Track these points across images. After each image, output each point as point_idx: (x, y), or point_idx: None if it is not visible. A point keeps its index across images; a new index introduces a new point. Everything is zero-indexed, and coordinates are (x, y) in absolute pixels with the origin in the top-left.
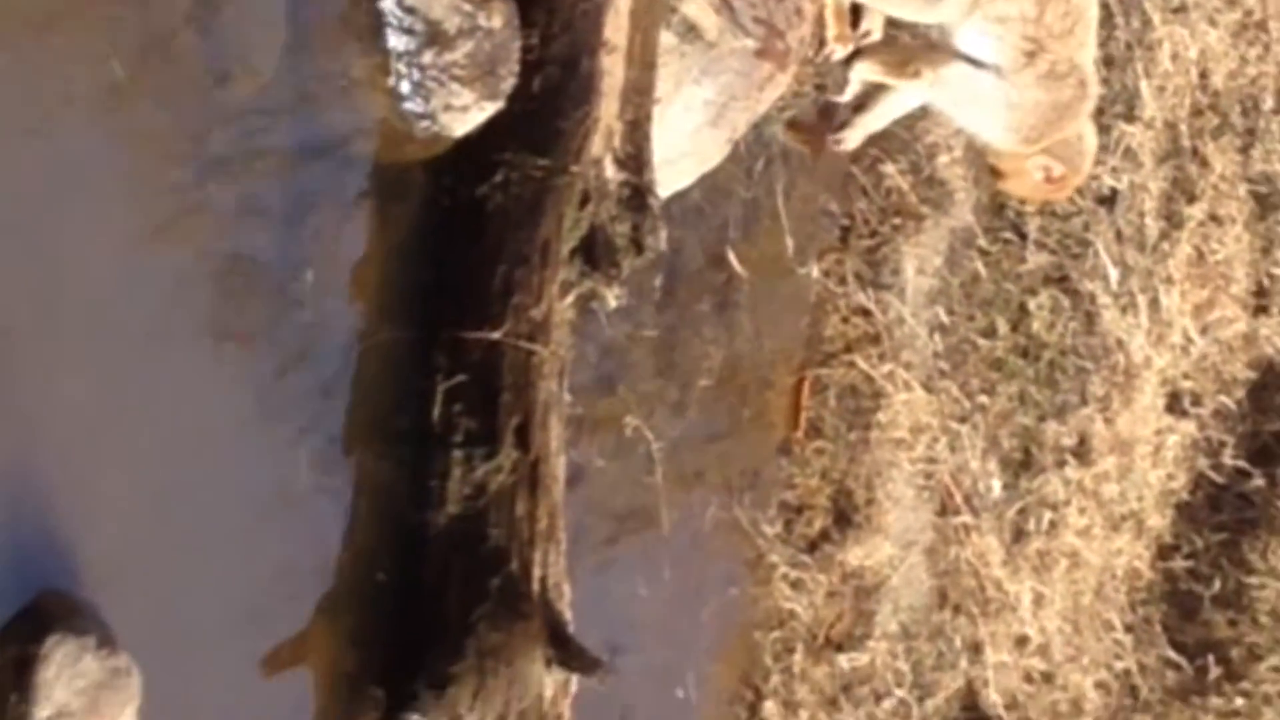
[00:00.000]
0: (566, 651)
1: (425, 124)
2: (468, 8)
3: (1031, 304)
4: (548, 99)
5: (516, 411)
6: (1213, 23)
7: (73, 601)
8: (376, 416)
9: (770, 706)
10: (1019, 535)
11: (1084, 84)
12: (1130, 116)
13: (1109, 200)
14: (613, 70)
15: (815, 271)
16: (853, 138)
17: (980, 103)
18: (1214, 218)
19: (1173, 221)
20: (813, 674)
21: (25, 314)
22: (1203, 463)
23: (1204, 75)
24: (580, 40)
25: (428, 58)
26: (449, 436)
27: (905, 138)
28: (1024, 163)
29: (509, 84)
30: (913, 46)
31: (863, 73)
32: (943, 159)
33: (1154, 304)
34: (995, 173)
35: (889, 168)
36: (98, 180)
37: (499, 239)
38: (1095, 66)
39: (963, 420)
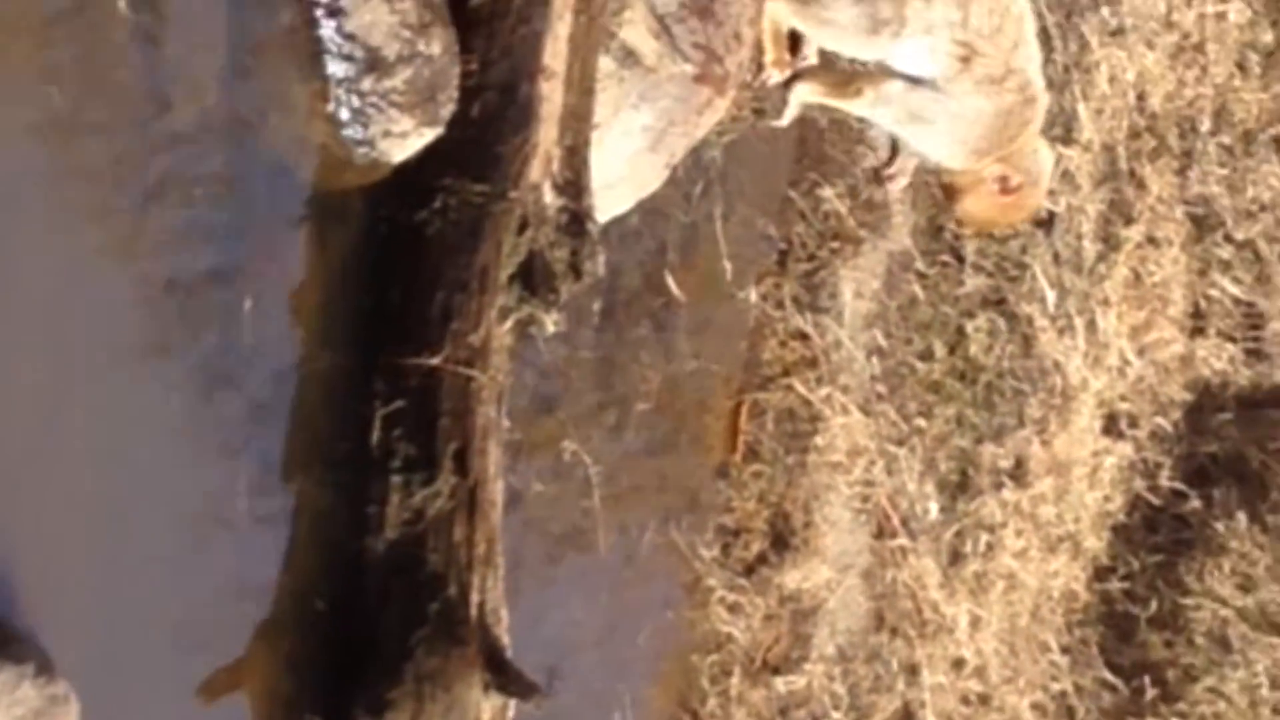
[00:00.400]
0: (504, 676)
1: (364, 150)
2: (407, 34)
3: (969, 327)
4: (487, 125)
5: (455, 437)
6: (1150, 45)
7: (10, 629)
8: (315, 442)
9: None
10: (956, 557)
11: (1025, 88)
12: (1068, 139)
13: (1046, 223)
14: (551, 96)
15: (753, 295)
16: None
17: (924, 117)
18: (1151, 240)
19: (1110, 244)
20: (750, 697)
21: None
22: (1139, 484)
23: (1141, 97)
24: (519, 66)
25: (367, 84)
26: (387, 462)
27: (843, 161)
28: (980, 174)
29: (448, 110)
30: (851, 68)
31: (803, 95)
32: None
33: (1091, 326)
34: (950, 192)
35: (826, 191)
36: (36, 205)
37: (437, 265)
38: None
39: (900, 443)
